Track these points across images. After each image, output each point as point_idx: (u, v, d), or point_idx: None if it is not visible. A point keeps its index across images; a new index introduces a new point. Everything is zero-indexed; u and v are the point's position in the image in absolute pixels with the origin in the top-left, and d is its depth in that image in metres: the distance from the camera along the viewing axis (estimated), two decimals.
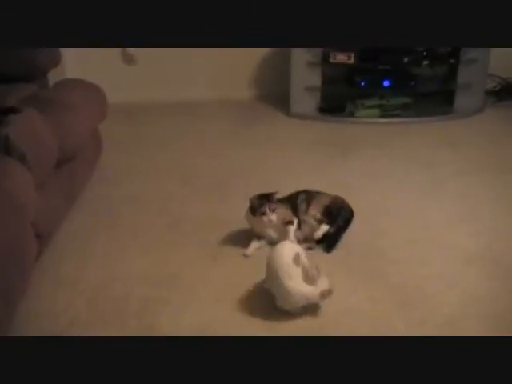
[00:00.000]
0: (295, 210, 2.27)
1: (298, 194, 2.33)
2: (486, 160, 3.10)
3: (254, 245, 2.23)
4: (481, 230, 2.36)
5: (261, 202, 2.19)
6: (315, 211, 2.27)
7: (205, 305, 1.91)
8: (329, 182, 2.63)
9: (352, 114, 3.82)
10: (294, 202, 2.29)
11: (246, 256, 2.19)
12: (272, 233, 2.24)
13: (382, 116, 3.82)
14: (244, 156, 3.19)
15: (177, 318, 1.84)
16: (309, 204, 2.29)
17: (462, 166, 3.01)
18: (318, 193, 2.34)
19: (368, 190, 2.72)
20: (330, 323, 1.82)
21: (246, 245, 2.24)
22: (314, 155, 3.19)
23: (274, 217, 2.18)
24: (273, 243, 2.12)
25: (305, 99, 3.82)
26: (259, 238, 2.25)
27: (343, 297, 1.93)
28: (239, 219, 2.29)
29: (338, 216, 2.27)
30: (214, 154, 3.21)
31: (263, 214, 2.17)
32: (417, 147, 3.31)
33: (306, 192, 2.34)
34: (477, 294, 1.95)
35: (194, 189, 2.78)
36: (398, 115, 3.83)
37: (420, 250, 2.22)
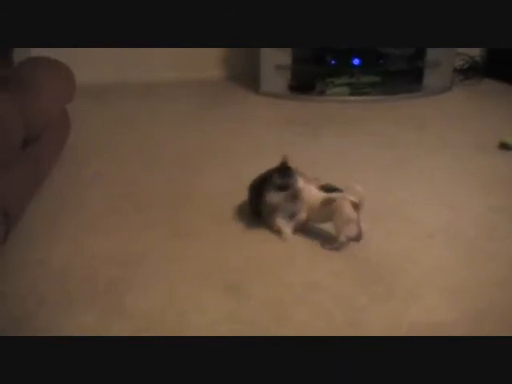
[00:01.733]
0: None
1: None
2: (452, 138, 3.16)
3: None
4: (444, 207, 2.41)
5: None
6: None
7: (172, 283, 1.92)
8: (298, 160, 2.64)
9: (322, 93, 3.85)
10: None
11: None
12: None
13: (352, 94, 3.85)
14: (213, 135, 3.19)
15: (144, 297, 1.85)
16: None
17: (428, 144, 3.06)
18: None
19: (335, 167, 2.75)
20: (293, 298, 1.85)
21: (213, 223, 2.25)
22: (284, 133, 3.21)
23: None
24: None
25: (275, 78, 3.83)
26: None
27: (307, 271, 1.97)
28: (207, 198, 2.30)
29: None
30: (182, 134, 3.21)
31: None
32: (385, 125, 3.35)
33: None
34: (440, 268, 2.00)
35: (162, 169, 2.78)
36: (367, 93, 3.87)
37: (384, 225, 2.26)
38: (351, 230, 2.07)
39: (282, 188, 2.14)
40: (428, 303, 1.82)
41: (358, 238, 2.08)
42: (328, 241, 2.12)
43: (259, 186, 2.22)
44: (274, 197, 2.16)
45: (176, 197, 2.49)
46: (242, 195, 2.44)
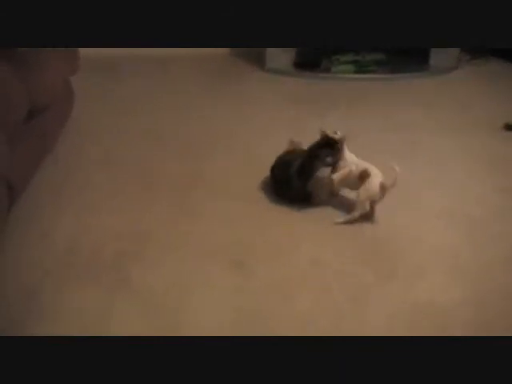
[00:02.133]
0: None
1: None
2: (458, 119, 3.13)
3: None
4: (451, 188, 2.41)
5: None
6: None
7: (179, 260, 1.93)
8: (305, 139, 2.63)
9: (327, 70, 3.81)
10: None
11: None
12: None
13: (357, 72, 3.81)
14: (219, 113, 3.16)
15: (150, 272, 1.86)
16: None
17: (434, 126, 3.04)
18: None
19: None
20: (298, 275, 1.86)
21: (223, 203, 2.25)
22: (289, 112, 3.18)
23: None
24: None
25: (280, 54, 3.79)
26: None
27: (314, 248, 1.98)
28: (216, 178, 2.29)
29: None
30: (188, 112, 3.18)
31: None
32: (391, 105, 3.32)
33: None
34: (445, 248, 2.01)
35: (170, 148, 2.75)
36: (372, 71, 3.83)
37: (391, 206, 2.24)
38: (367, 207, 2.11)
39: (332, 164, 2.18)
40: (432, 283, 1.83)
41: (369, 216, 2.11)
42: (340, 216, 2.15)
43: (304, 166, 2.21)
44: (325, 172, 2.20)
45: (185, 177, 2.47)
46: (250, 174, 2.44)
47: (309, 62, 3.83)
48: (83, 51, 2.72)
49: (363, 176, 2.10)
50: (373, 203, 2.11)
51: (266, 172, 2.38)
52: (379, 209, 2.17)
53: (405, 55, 3.89)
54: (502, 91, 3.57)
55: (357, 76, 3.79)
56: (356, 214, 2.11)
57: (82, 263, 1.90)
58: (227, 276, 1.84)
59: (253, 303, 1.72)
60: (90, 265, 1.89)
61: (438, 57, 3.88)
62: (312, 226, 2.12)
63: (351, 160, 2.18)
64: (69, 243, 2.00)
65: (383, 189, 2.07)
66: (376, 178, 2.08)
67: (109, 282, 1.80)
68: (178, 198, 2.30)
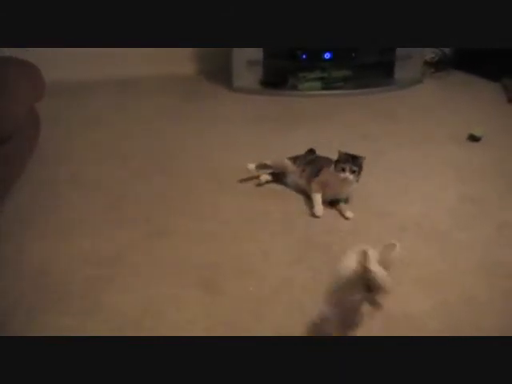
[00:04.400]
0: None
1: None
2: (423, 130, 3.20)
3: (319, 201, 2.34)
4: (416, 199, 2.45)
5: (346, 159, 2.28)
6: None
7: (148, 282, 1.92)
8: (272, 155, 2.65)
9: (295, 87, 3.85)
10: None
11: (316, 214, 2.29)
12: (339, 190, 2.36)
13: (324, 88, 3.86)
14: (186, 132, 3.17)
15: (121, 296, 1.84)
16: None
17: (399, 137, 3.09)
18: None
19: None
20: (269, 291, 1.86)
21: (190, 221, 2.25)
22: (257, 129, 3.21)
23: (351, 177, 2.28)
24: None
25: (247, 73, 3.82)
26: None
27: (284, 264, 2.00)
28: (182, 197, 2.29)
29: None
30: (154, 131, 3.19)
31: (343, 170, 2.27)
32: (358, 119, 3.38)
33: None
34: (413, 259, 2.02)
35: (135, 167, 2.75)
36: (339, 87, 3.88)
37: (357, 218, 2.28)
38: None
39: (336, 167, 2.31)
40: (402, 294, 1.84)
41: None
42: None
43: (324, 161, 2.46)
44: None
45: (152, 195, 2.48)
46: (217, 192, 2.45)
47: (276, 81, 3.87)
48: (50, 77, 2.72)
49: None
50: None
51: (233, 189, 2.39)
52: (345, 222, 2.19)
53: (370, 70, 3.96)
54: (464, 102, 3.65)
55: (324, 92, 3.84)
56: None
57: (52, 288, 1.87)
58: (198, 296, 1.84)
59: (224, 323, 1.72)
60: (60, 290, 1.87)
61: (402, 70, 3.96)
62: (281, 241, 2.14)
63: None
64: (38, 268, 1.97)
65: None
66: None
67: (80, 309, 1.78)
68: (143, 217, 2.30)
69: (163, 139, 3.08)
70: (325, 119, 3.36)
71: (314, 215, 2.29)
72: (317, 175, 2.42)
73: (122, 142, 3.04)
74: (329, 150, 2.46)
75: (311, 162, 2.52)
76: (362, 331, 1.60)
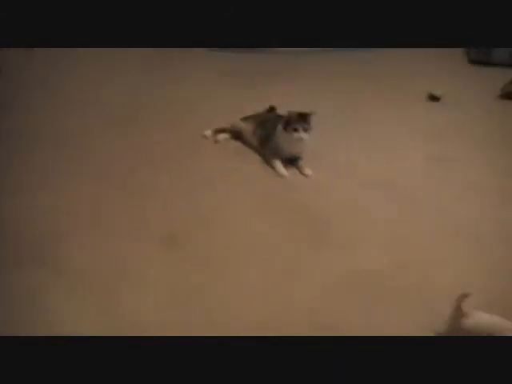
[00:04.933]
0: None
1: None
2: (387, 91, 3.18)
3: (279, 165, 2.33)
4: (381, 159, 2.45)
5: (297, 119, 2.26)
6: None
7: (108, 237, 1.89)
8: (241, 112, 2.62)
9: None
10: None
11: (282, 176, 2.28)
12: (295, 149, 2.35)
13: None
14: (155, 90, 3.08)
15: (80, 251, 1.81)
16: None
17: (364, 96, 3.09)
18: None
19: None
20: (232, 248, 1.85)
21: (149, 177, 2.21)
22: (221, 86, 3.13)
23: (305, 135, 2.27)
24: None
25: None
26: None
27: (248, 220, 1.99)
28: (142, 152, 2.23)
29: None
30: (126, 85, 3.11)
31: (296, 130, 2.25)
32: (327, 76, 3.36)
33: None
34: (375, 218, 2.05)
35: (100, 119, 2.69)
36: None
37: (324, 180, 2.28)
38: None
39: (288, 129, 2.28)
40: (363, 251, 1.86)
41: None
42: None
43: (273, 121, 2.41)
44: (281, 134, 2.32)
45: (113, 149, 2.44)
46: (184, 147, 2.42)
47: None
48: None
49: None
50: None
51: (193, 145, 2.36)
52: (315, 179, 2.21)
53: None
54: (427, 63, 3.64)
55: (297, 49, 3.69)
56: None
57: (9, 242, 1.83)
58: (158, 252, 1.82)
59: (187, 280, 1.71)
60: (18, 244, 1.82)
61: None
62: (247, 198, 2.12)
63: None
64: None
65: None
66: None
67: (37, 264, 1.74)
68: (106, 172, 2.26)
69: (132, 94, 3.00)
70: (296, 76, 3.32)
71: (281, 177, 2.29)
72: (267, 140, 2.40)
73: (86, 96, 2.95)
74: (296, 108, 2.43)
75: (262, 123, 2.48)
76: (322, 291, 1.62)
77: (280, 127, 2.31)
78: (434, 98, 3.06)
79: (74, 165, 2.31)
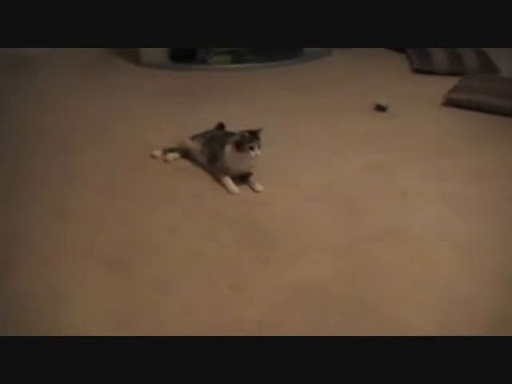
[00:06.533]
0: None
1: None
2: (332, 102, 3.24)
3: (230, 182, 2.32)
4: (325, 169, 2.48)
5: (251, 138, 2.27)
6: None
7: (51, 265, 1.85)
8: (181, 131, 2.61)
9: (204, 62, 3.80)
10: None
11: (233, 193, 2.27)
12: (246, 167, 2.35)
13: (234, 62, 3.83)
14: (92, 107, 3.07)
15: (25, 278, 1.77)
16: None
17: (309, 109, 3.13)
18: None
19: None
20: (178, 268, 1.84)
21: (94, 200, 2.19)
22: (163, 104, 3.15)
23: (259, 152, 2.28)
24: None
25: (155, 48, 3.73)
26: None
27: (191, 240, 1.97)
28: (87, 175, 2.21)
29: None
30: (59, 108, 3.06)
31: (251, 148, 2.26)
32: (267, 92, 3.38)
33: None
34: (320, 228, 2.05)
35: (41, 142, 2.65)
36: (249, 61, 3.86)
37: (266, 190, 2.29)
38: None
39: (243, 148, 2.28)
40: (310, 262, 1.86)
41: None
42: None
43: (221, 139, 2.41)
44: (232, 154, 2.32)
45: (54, 173, 2.39)
46: (124, 168, 2.39)
47: (185, 54, 3.80)
48: None
49: None
50: None
51: (140, 165, 2.33)
52: (264, 194, 2.22)
53: None
54: (372, 73, 3.73)
55: (233, 66, 3.81)
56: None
57: None
58: (103, 276, 1.78)
59: (131, 302, 1.68)
60: None
61: None
62: (197, 217, 2.11)
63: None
64: None
65: None
66: None
67: None
68: (49, 197, 2.22)
69: (69, 113, 2.98)
70: (235, 93, 3.34)
71: (232, 193, 2.28)
72: (215, 159, 2.40)
73: (26, 122, 2.90)
74: (238, 125, 2.45)
75: (209, 141, 2.48)
76: (270, 305, 1.61)
77: (229, 147, 2.31)
78: (380, 108, 3.11)
79: (11, 191, 2.27)
